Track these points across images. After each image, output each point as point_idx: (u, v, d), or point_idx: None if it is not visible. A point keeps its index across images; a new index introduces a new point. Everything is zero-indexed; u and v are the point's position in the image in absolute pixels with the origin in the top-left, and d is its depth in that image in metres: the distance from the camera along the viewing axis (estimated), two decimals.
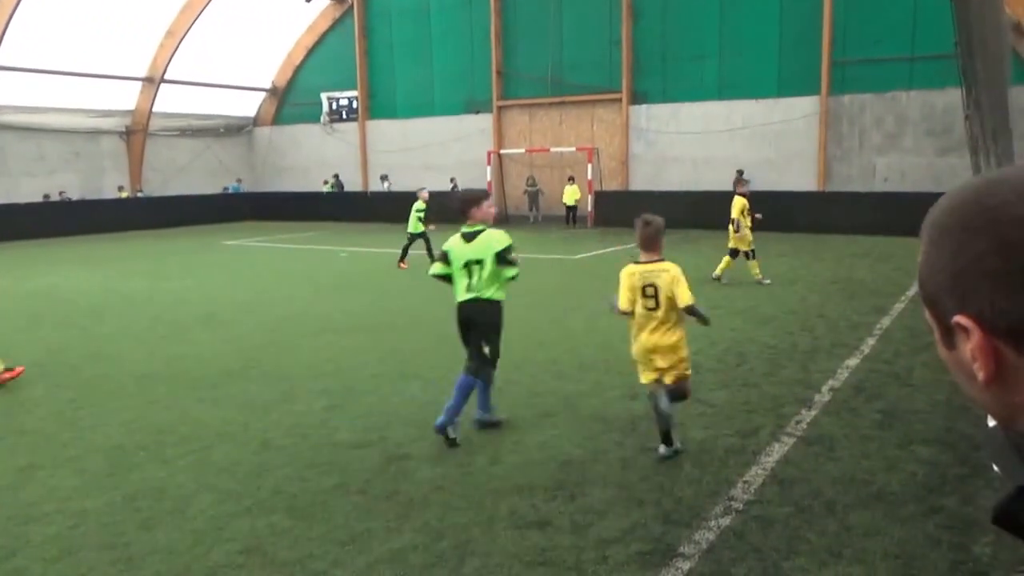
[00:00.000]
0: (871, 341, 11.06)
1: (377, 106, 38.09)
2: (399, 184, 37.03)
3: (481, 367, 7.36)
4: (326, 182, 39.23)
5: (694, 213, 29.50)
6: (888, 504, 5.68)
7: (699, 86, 30.83)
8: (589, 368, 9.74)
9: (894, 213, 24.34)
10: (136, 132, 36.73)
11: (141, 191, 36.80)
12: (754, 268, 16.23)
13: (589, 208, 31.93)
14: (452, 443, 7.01)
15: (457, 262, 7.30)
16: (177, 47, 35.03)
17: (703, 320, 6.70)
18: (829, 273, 17.65)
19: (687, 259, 19.81)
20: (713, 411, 7.95)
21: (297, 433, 7.49)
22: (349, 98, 38.54)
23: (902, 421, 7.60)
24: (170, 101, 37.10)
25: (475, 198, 7.40)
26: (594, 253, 22.71)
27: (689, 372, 6.88)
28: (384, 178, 38.22)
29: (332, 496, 5.99)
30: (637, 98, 32.07)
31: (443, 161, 36.33)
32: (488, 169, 34.12)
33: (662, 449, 6.64)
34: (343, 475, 6.40)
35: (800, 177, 28.54)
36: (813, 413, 7.89)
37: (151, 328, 12.86)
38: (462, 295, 7.32)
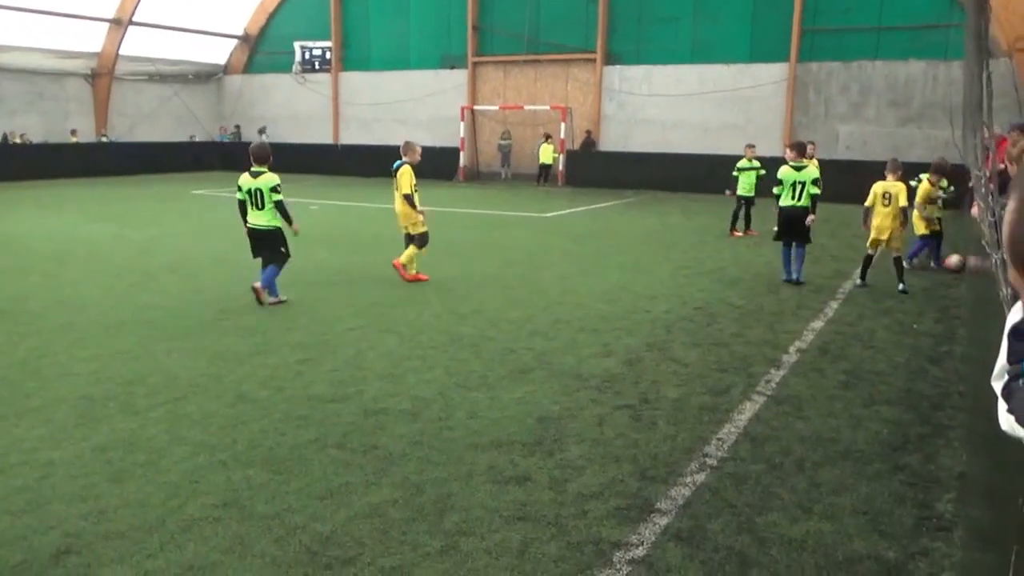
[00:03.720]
0: (834, 304, 11.25)
1: (351, 58, 37.54)
2: (375, 138, 36.63)
3: (807, 241, 12.75)
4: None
5: (662, 175, 29.72)
6: (855, 462, 5.83)
7: (672, 49, 30.83)
8: (564, 326, 9.79)
9: (854, 181, 24.54)
10: (102, 75, 35.75)
11: (106, 136, 35.95)
12: None
13: (560, 167, 31.99)
14: (799, 282, 12.63)
15: (787, 182, 12.63)
16: None
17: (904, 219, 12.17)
18: None
19: (654, 220, 19.98)
20: (686, 370, 8.05)
21: (272, 386, 7.44)
22: (323, 48, 37.88)
23: (866, 382, 7.77)
24: (138, 44, 36.03)
25: (803, 146, 13.53)
26: (565, 211, 22.73)
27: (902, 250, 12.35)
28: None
29: (309, 450, 5.97)
30: (611, 59, 31.97)
31: (417, 116, 36.00)
32: (462, 125, 33.90)
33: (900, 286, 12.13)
34: (320, 429, 6.38)
35: (766, 143, 28.62)
36: (782, 373, 8.03)
37: (118, 276, 12.67)
38: (786, 202, 12.66)
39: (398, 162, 12.34)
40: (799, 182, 12.52)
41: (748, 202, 18.16)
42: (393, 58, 36.30)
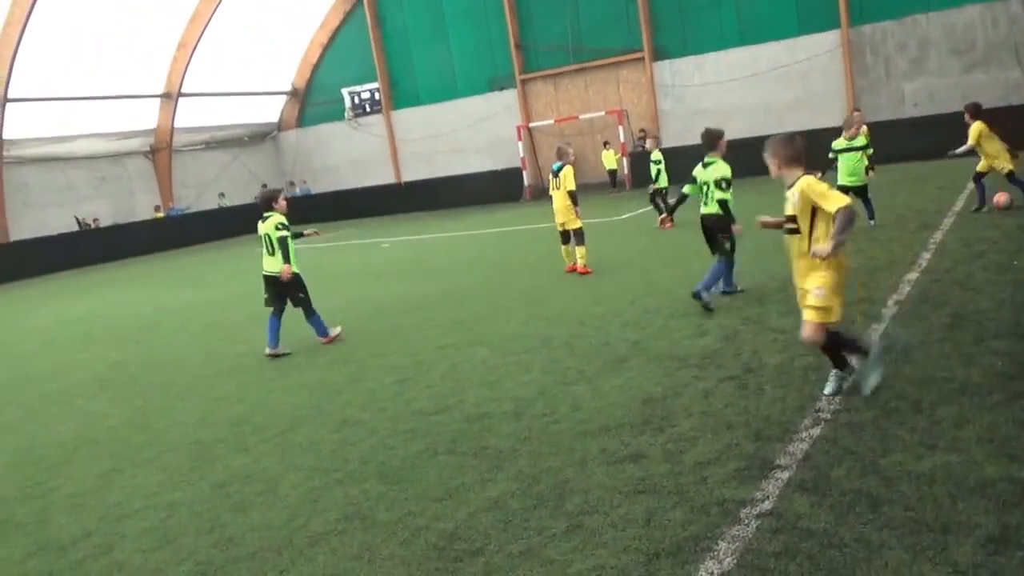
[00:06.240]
0: (927, 255, 10.94)
1: (400, 95, 38.04)
2: (436, 171, 36.94)
3: (723, 254, 9.99)
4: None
5: (730, 162, 29.32)
6: (972, 396, 5.65)
7: (719, 34, 30.46)
8: (653, 315, 9.73)
9: (927, 137, 23.88)
10: (161, 150, 36.72)
11: (174, 207, 36.78)
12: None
13: (625, 171, 31.82)
14: (707, 308, 9.47)
15: (699, 181, 10.18)
16: (190, 59, 34.92)
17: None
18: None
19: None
20: (784, 337, 7.91)
21: (374, 408, 7.55)
22: (371, 91, 38.40)
23: (972, 321, 7.52)
24: (191, 115, 36.95)
25: (718, 136, 10.21)
26: (637, 212, 22.59)
27: None
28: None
29: (421, 459, 6.04)
30: (659, 54, 31.77)
31: (474, 143, 36.24)
32: (520, 145, 34.01)
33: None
34: (428, 439, 6.45)
35: (831, 113, 28.09)
36: (883, 325, 7.83)
37: (206, 332, 13.07)
38: (702, 209, 10.20)
39: (558, 164, 13.16)
40: (703, 183, 10.13)
41: (660, 192, 18.13)
42: (441, 88, 36.63)
